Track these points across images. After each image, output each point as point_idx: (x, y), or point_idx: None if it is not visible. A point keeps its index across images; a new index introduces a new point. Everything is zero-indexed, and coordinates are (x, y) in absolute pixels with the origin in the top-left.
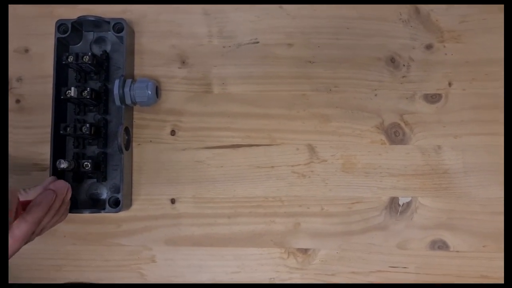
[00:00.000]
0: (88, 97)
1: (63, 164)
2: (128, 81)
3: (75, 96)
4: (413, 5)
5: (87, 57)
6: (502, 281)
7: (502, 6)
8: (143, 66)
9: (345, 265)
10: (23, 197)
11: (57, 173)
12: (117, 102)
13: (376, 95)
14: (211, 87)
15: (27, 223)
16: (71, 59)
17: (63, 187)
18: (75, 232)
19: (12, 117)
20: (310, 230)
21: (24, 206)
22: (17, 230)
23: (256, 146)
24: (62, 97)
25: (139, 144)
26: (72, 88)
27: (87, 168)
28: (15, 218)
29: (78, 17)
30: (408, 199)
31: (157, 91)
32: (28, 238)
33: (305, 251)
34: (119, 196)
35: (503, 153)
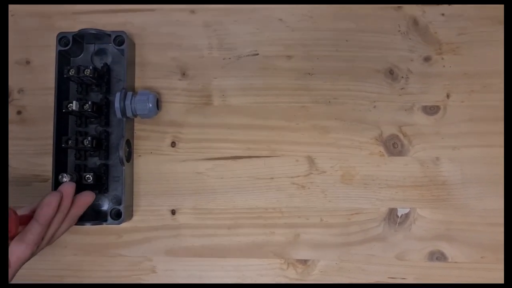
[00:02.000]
0: (89, 110)
1: (65, 178)
2: (129, 94)
3: (77, 109)
4: (411, 17)
5: (89, 70)
6: None
7: (501, 18)
8: (144, 78)
9: (344, 276)
10: (20, 212)
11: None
12: (118, 115)
13: (375, 107)
14: (211, 98)
15: (39, 224)
16: (73, 72)
17: (69, 187)
18: (76, 242)
19: (13, 129)
20: (309, 241)
21: (23, 221)
22: (29, 234)
23: (256, 157)
24: (63, 110)
25: (139, 156)
26: (74, 102)
27: (89, 181)
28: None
29: (79, 30)
30: (406, 211)
31: (158, 103)
32: (40, 241)
33: (304, 262)
34: (121, 208)
35: (501, 164)
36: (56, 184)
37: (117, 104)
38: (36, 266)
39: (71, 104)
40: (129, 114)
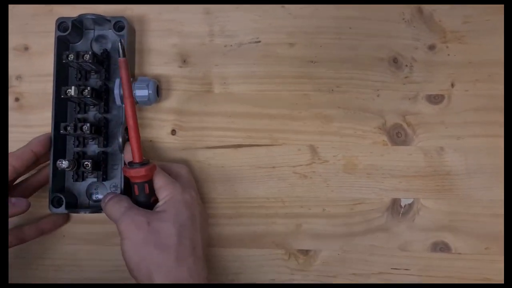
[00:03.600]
0: (88, 96)
1: (64, 164)
2: None
3: (75, 95)
4: (416, 5)
5: (88, 55)
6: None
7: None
8: (144, 65)
9: (346, 266)
10: None
11: (58, 173)
12: (118, 102)
13: (378, 95)
14: (212, 86)
15: None
16: (72, 57)
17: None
18: (74, 231)
19: (11, 116)
20: (311, 231)
21: None
22: None
23: (257, 146)
24: (62, 96)
25: None
26: (73, 88)
27: (87, 167)
28: None
29: (79, 15)
30: (410, 201)
31: (158, 90)
32: None
33: (306, 252)
34: None
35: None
36: (54, 171)
37: (116, 91)
38: (33, 256)
39: (69, 90)
40: None
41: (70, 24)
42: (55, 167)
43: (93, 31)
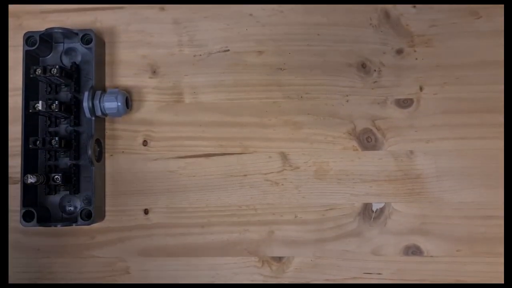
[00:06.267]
0: (56, 110)
1: (31, 179)
2: (98, 92)
3: (43, 109)
4: (383, 10)
5: (55, 69)
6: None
7: (472, 9)
8: (114, 77)
9: (319, 272)
10: None
11: (28, 187)
12: (87, 114)
13: (347, 101)
14: (183, 96)
15: None
16: (39, 72)
17: None
18: (49, 245)
19: None
20: (284, 238)
21: None
22: None
23: (228, 154)
24: (30, 110)
25: (111, 155)
26: (40, 102)
27: (57, 181)
28: None
29: (46, 29)
30: (381, 205)
31: (128, 102)
32: None
33: (279, 259)
34: (91, 208)
35: (475, 156)
36: (24, 185)
37: (85, 103)
38: (11, 270)
39: (37, 104)
40: (98, 113)
41: (38, 38)
42: (25, 183)
43: (62, 44)
